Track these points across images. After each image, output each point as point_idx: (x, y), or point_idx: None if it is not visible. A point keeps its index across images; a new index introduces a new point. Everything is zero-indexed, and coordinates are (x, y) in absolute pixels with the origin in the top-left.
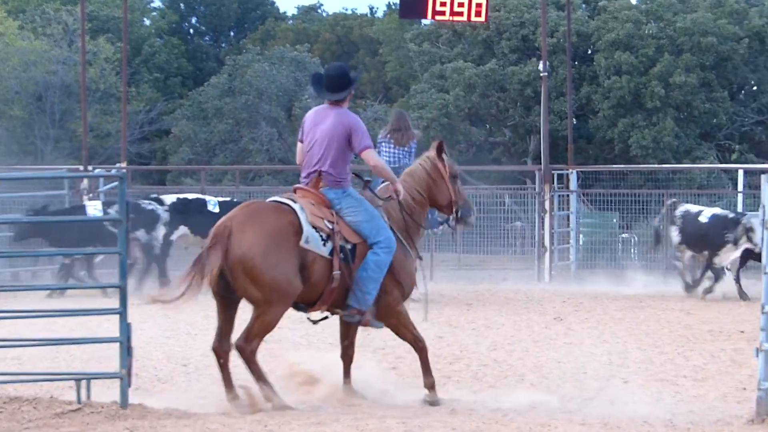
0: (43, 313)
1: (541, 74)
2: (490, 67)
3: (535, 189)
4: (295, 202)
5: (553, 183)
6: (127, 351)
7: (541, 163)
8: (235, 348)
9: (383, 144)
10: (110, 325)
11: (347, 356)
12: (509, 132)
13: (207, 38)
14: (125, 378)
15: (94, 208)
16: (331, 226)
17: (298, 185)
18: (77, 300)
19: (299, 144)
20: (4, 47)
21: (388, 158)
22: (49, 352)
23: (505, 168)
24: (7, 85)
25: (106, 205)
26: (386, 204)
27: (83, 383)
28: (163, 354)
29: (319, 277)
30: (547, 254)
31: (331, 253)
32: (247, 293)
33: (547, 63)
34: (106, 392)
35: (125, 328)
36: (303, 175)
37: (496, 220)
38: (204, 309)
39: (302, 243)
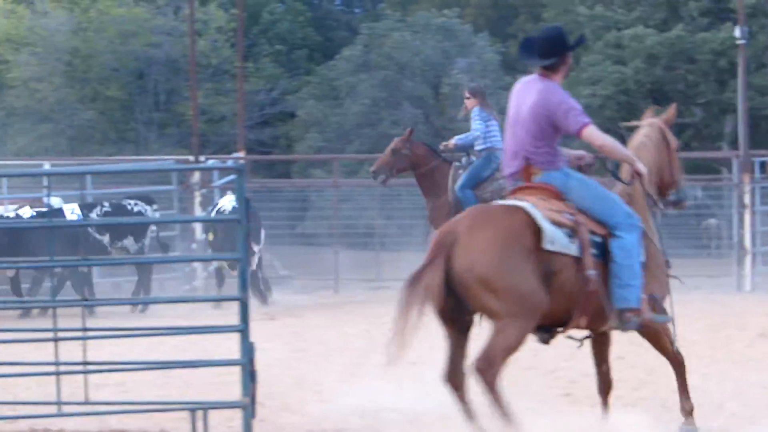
0: (150, 332)
1: (738, 41)
2: (677, 33)
3: (732, 179)
4: (521, 200)
5: (755, 172)
6: (249, 375)
7: (739, 149)
8: (475, 371)
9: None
10: (230, 345)
11: (606, 384)
12: (700, 111)
13: (338, 2)
14: (248, 407)
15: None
16: (572, 218)
17: (515, 186)
18: (189, 316)
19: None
20: (98, 16)
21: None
22: (158, 377)
23: (696, 155)
24: (102, 61)
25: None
26: (627, 189)
27: (199, 414)
28: (291, 378)
29: (572, 283)
30: (748, 258)
31: (580, 250)
32: (483, 305)
33: (745, 28)
34: (226, 424)
35: (247, 348)
36: (506, 157)
37: (686, 217)
38: (338, 325)
39: (546, 245)
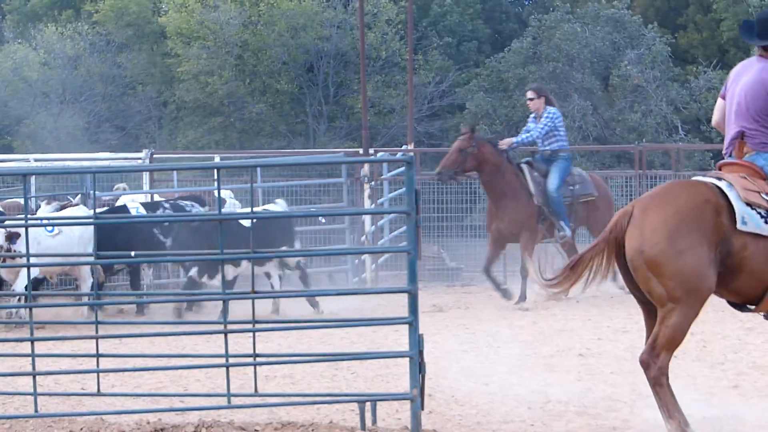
0: (318, 324)
1: None
2: None
3: None
4: (720, 179)
5: None
6: (418, 367)
7: None
8: (640, 364)
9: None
10: (398, 337)
11: None
12: None
13: None
14: (417, 399)
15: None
16: None
17: (722, 161)
18: (358, 308)
19: (719, 101)
20: (268, 9)
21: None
22: (326, 368)
23: None
24: (272, 54)
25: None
26: None
27: (367, 405)
28: (460, 371)
29: (760, 263)
30: None
31: None
32: (649, 289)
33: None
34: (394, 416)
35: (416, 340)
36: (726, 138)
37: None
38: (507, 317)
39: (739, 225)
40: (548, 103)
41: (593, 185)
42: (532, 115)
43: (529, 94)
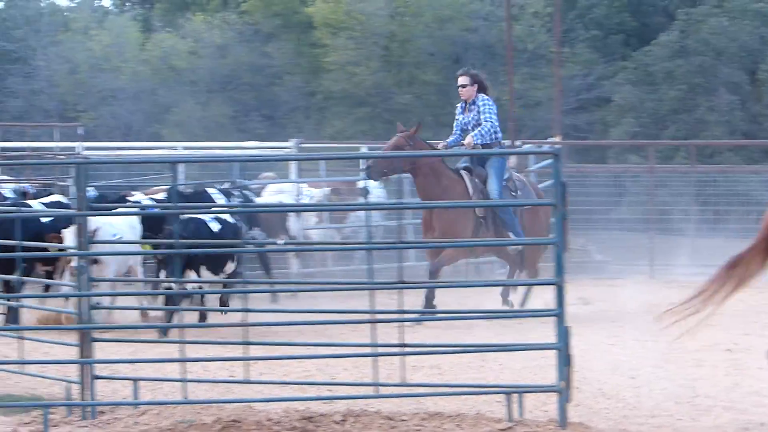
0: (465, 315)
1: None
2: None
3: None
4: None
5: None
6: (565, 360)
7: None
8: None
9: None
10: (545, 330)
11: None
12: None
13: None
14: (564, 392)
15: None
16: None
17: None
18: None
19: None
20: (415, 1)
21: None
22: (473, 360)
23: None
24: (419, 46)
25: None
26: None
27: (514, 397)
28: (607, 364)
29: None
30: None
31: None
32: None
33: None
34: (540, 408)
35: (563, 332)
36: None
37: None
38: (654, 310)
39: None
40: (481, 90)
41: (533, 192)
42: (460, 105)
43: (462, 80)
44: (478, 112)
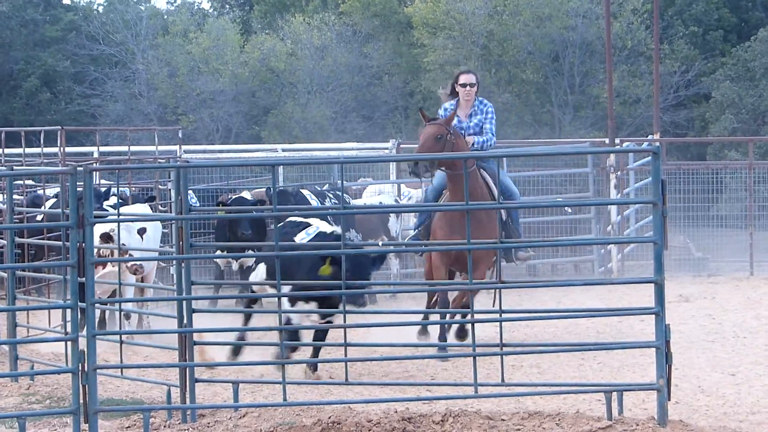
0: (565, 314)
1: None
2: None
3: None
4: None
5: None
6: (665, 357)
7: None
8: None
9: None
10: (644, 327)
11: None
12: None
13: None
14: (663, 390)
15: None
16: None
17: None
18: (604, 298)
19: None
20: (513, 1)
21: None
22: (573, 358)
23: None
24: (518, 44)
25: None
26: None
27: (614, 395)
28: (706, 361)
29: None
30: None
31: None
32: None
33: None
34: (640, 406)
35: (662, 330)
36: None
37: None
38: (753, 307)
39: None
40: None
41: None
42: (450, 104)
43: (470, 79)
44: (484, 119)
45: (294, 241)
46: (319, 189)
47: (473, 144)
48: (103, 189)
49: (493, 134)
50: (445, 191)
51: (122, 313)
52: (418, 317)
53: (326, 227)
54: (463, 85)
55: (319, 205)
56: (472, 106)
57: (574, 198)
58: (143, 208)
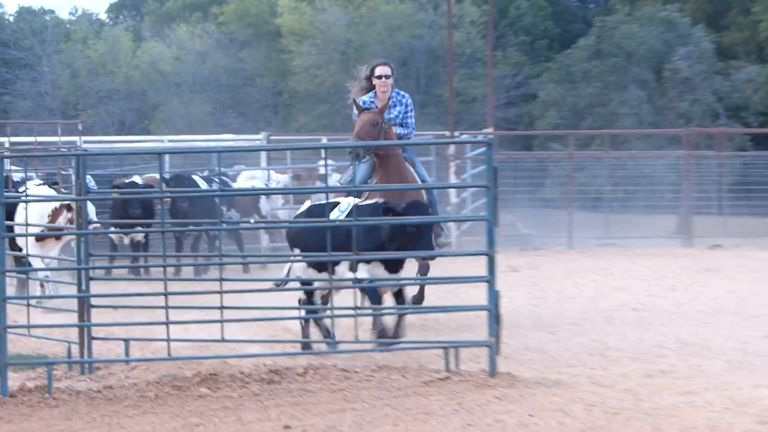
0: (409, 282)
1: None
2: None
3: None
4: None
5: None
6: (495, 319)
7: None
8: None
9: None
10: (478, 293)
11: None
12: None
13: (574, 0)
14: (493, 346)
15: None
16: None
17: None
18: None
19: None
20: (368, 12)
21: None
22: (417, 320)
23: None
24: (372, 51)
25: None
26: None
27: (451, 352)
28: (531, 322)
29: None
30: None
31: None
32: None
33: None
34: (474, 360)
35: (494, 295)
36: None
37: None
38: (572, 276)
39: None
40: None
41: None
42: (370, 96)
43: (386, 71)
44: (405, 111)
45: (328, 220)
46: (203, 175)
47: (396, 135)
48: (19, 177)
49: (413, 127)
50: (373, 177)
51: (39, 281)
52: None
53: (355, 201)
54: (379, 77)
55: (208, 187)
56: (390, 98)
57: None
58: (48, 190)
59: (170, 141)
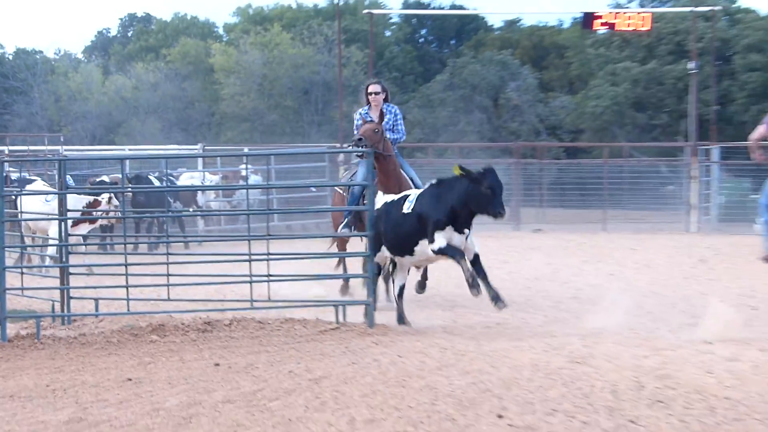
0: (313, 255)
1: (691, 71)
2: (651, 66)
3: (685, 160)
4: None
5: (699, 156)
6: (373, 284)
7: (690, 140)
8: None
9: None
10: (359, 265)
11: None
12: (666, 117)
13: (434, 45)
14: (371, 305)
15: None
16: None
17: None
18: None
19: (763, 126)
20: (279, 54)
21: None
22: (315, 285)
23: (662, 144)
24: (282, 83)
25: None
26: None
27: (341, 309)
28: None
29: None
30: (693, 210)
31: None
32: None
33: (697, 62)
34: (357, 314)
35: (372, 267)
36: None
37: (655, 184)
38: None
39: None
40: (386, 99)
41: None
42: (364, 109)
43: (376, 88)
44: (395, 119)
45: (402, 211)
46: (155, 175)
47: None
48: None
49: (403, 133)
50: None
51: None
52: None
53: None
54: (370, 94)
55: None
56: (382, 109)
57: (317, 182)
58: (42, 186)
59: (130, 150)
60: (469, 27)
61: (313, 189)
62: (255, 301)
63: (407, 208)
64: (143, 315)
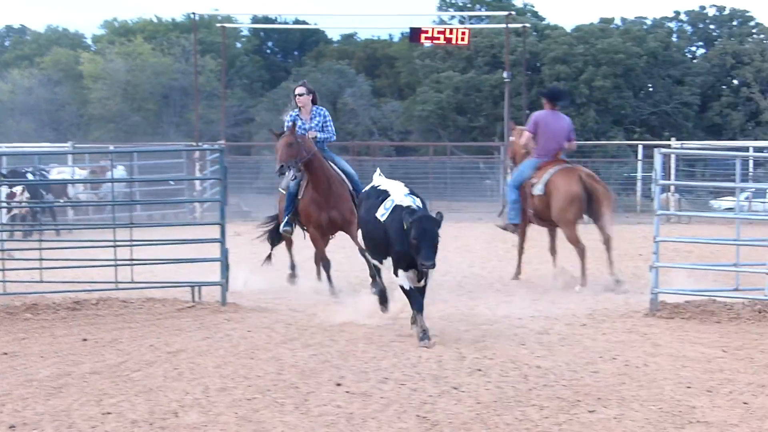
0: (161, 242)
1: (505, 80)
2: (471, 75)
3: (499, 158)
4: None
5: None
6: (225, 267)
7: (504, 141)
8: None
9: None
10: (213, 249)
11: None
12: (483, 119)
13: (279, 56)
14: (224, 285)
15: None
16: None
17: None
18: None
19: (527, 133)
20: (141, 62)
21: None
22: (182, 267)
23: (480, 144)
24: (144, 88)
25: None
26: None
27: (196, 289)
28: (250, 269)
29: None
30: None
31: None
32: None
33: (510, 72)
34: (211, 295)
35: (224, 251)
36: (546, 150)
37: (474, 179)
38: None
39: None
40: (314, 101)
41: None
42: (295, 111)
43: (301, 90)
44: (324, 121)
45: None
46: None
47: (316, 138)
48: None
49: (333, 132)
50: (302, 182)
51: None
52: (85, 244)
53: (402, 200)
54: (296, 95)
55: (35, 178)
56: (311, 111)
57: (175, 176)
58: None
59: (7, 147)
60: (311, 40)
61: (172, 183)
62: (119, 282)
63: (381, 214)
64: (18, 295)
